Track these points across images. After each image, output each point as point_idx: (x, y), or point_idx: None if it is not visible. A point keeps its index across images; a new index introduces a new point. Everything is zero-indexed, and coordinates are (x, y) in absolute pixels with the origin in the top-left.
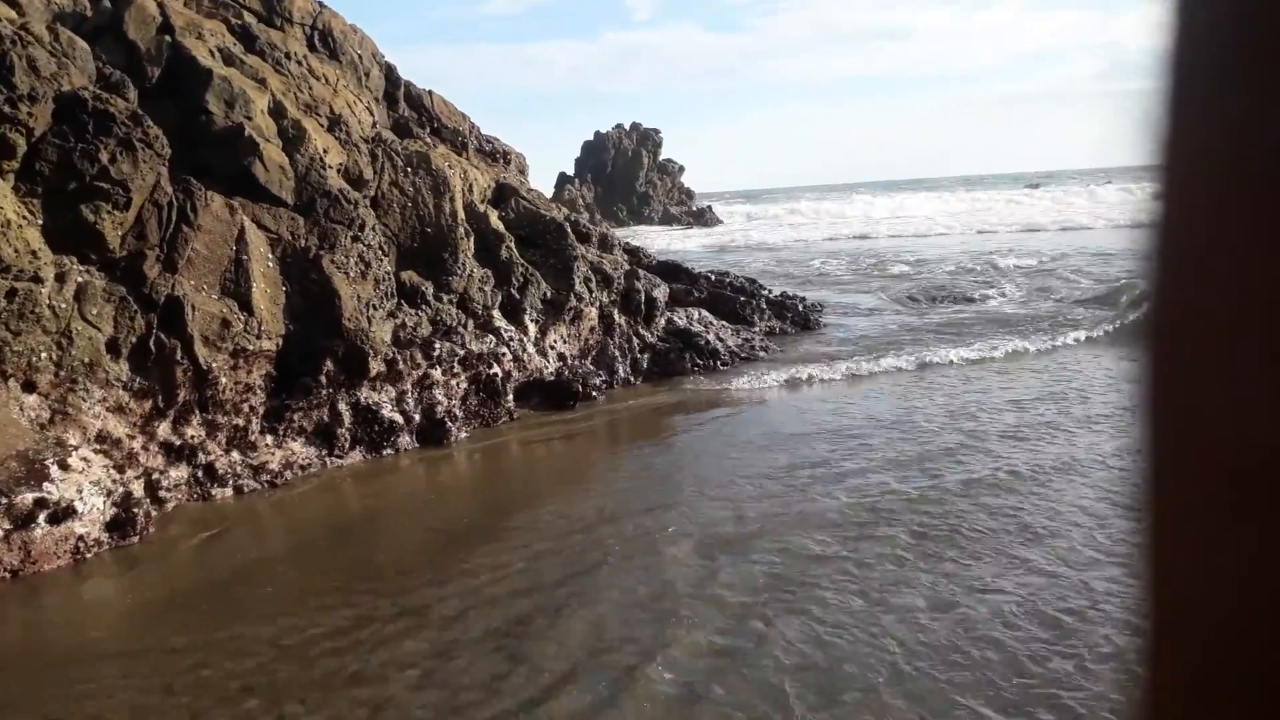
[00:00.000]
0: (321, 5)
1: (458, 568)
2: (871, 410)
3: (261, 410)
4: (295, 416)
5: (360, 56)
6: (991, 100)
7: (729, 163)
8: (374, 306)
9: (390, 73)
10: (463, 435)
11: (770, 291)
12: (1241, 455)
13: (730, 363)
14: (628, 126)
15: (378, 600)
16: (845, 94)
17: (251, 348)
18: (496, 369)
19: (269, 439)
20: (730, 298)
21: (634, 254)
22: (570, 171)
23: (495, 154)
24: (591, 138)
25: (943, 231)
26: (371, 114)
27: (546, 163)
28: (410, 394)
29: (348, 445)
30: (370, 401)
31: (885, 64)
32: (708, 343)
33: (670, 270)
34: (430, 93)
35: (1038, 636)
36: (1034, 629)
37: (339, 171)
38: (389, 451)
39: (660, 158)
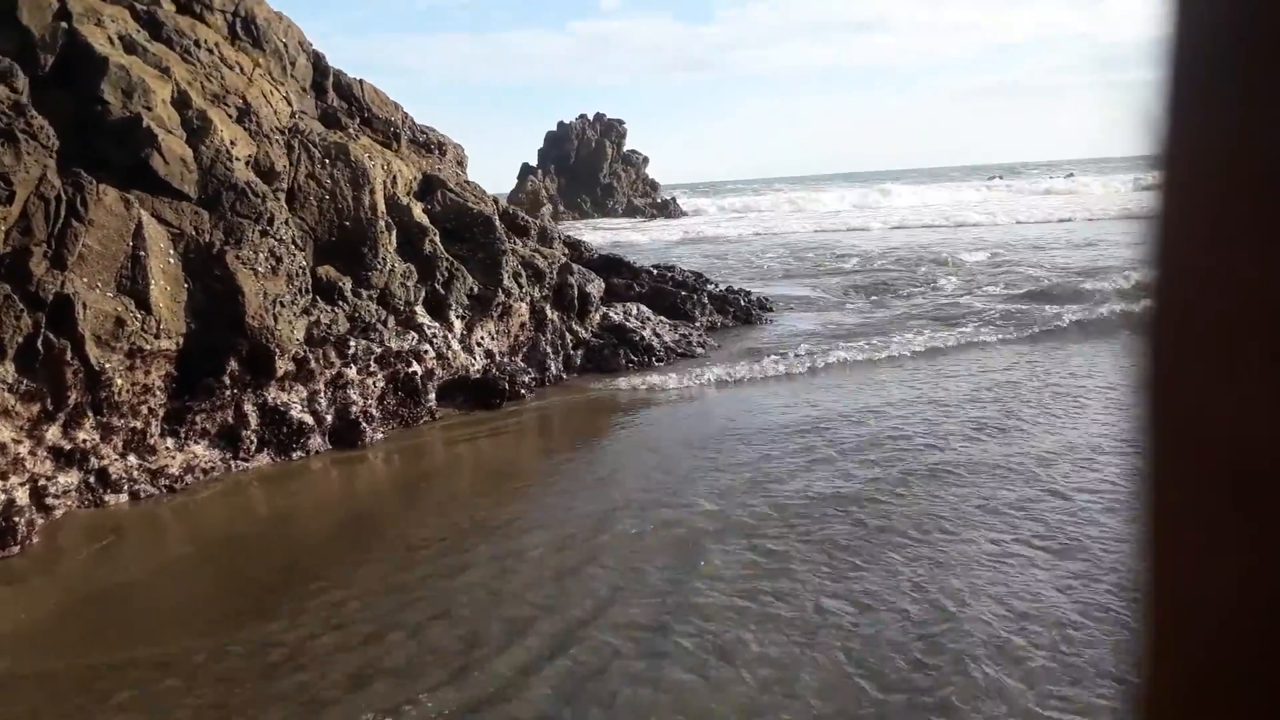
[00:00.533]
0: None
1: (348, 576)
2: (790, 408)
3: (162, 412)
4: (198, 418)
5: (285, 45)
6: (965, 93)
7: (699, 155)
8: (283, 304)
9: (319, 61)
10: (379, 436)
11: (716, 286)
12: (1241, 455)
13: (666, 359)
14: (591, 117)
15: (266, 620)
16: (818, 86)
17: (149, 347)
18: (416, 367)
19: (170, 442)
20: (671, 292)
21: (575, 247)
22: (534, 162)
23: (430, 145)
24: (555, 128)
25: (902, 224)
26: (290, 104)
27: (518, 155)
28: (323, 394)
29: (254, 448)
30: (278, 402)
31: (858, 56)
32: (642, 339)
33: (611, 264)
34: (361, 82)
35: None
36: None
37: (248, 163)
38: (299, 454)
39: (625, 149)
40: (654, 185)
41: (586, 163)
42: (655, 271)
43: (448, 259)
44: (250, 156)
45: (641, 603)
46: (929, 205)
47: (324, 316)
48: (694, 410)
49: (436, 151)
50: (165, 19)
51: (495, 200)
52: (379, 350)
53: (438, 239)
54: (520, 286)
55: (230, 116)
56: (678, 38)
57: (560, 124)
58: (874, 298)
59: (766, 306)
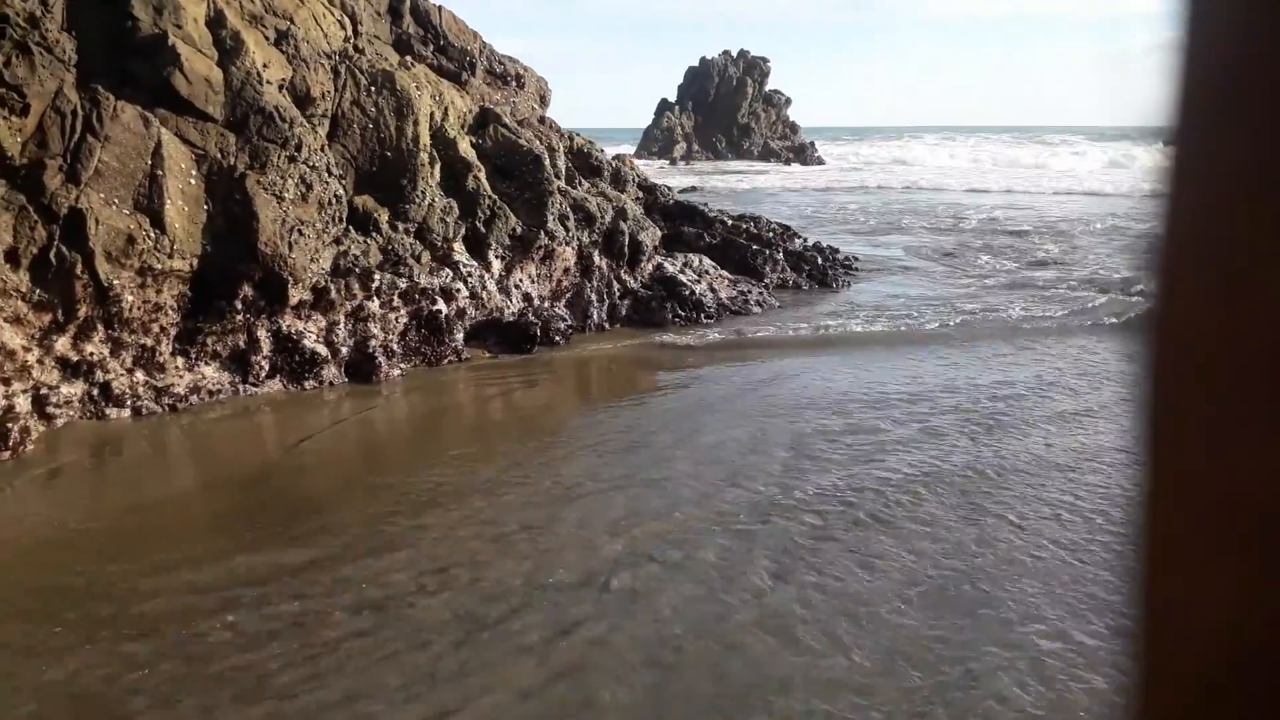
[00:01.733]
0: None
1: (328, 519)
2: (816, 384)
3: (174, 331)
4: (209, 340)
5: None
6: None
7: (850, 98)
8: (301, 231)
9: None
10: (396, 373)
11: (803, 241)
12: (1236, 486)
13: (716, 316)
14: (735, 54)
15: (250, 550)
16: (988, 34)
17: (161, 266)
18: (443, 306)
19: (180, 361)
20: (743, 245)
21: (650, 191)
22: (673, 98)
23: (507, 76)
24: (697, 64)
25: (1058, 191)
26: (345, 28)
27: (662, 90)
28: (342, 325)
29: (264, 374)
30: (292, 330)
31: (1038, 3)
32: (692, 294)
33: (685, 212)
34: (440, 9)
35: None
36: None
37: (282, 88)
38: (312, 383)
39: (767, 88)
40: (794, 128)
41: (725, 101)
42: (730, 223)
43: (491, 197)
44: (285, 80)
45: (571, 567)
46: (1092, 171)
47: (355, 247)
48: (720, 376)
49: (514, 83)
50: None
51: (571, 136)
52: (404, 285)
53: (483, 175)
54: (567, 230)
55: (268, 39)
56: None
57: (702, 59)
58: (963, 264)
59: (851, 267)
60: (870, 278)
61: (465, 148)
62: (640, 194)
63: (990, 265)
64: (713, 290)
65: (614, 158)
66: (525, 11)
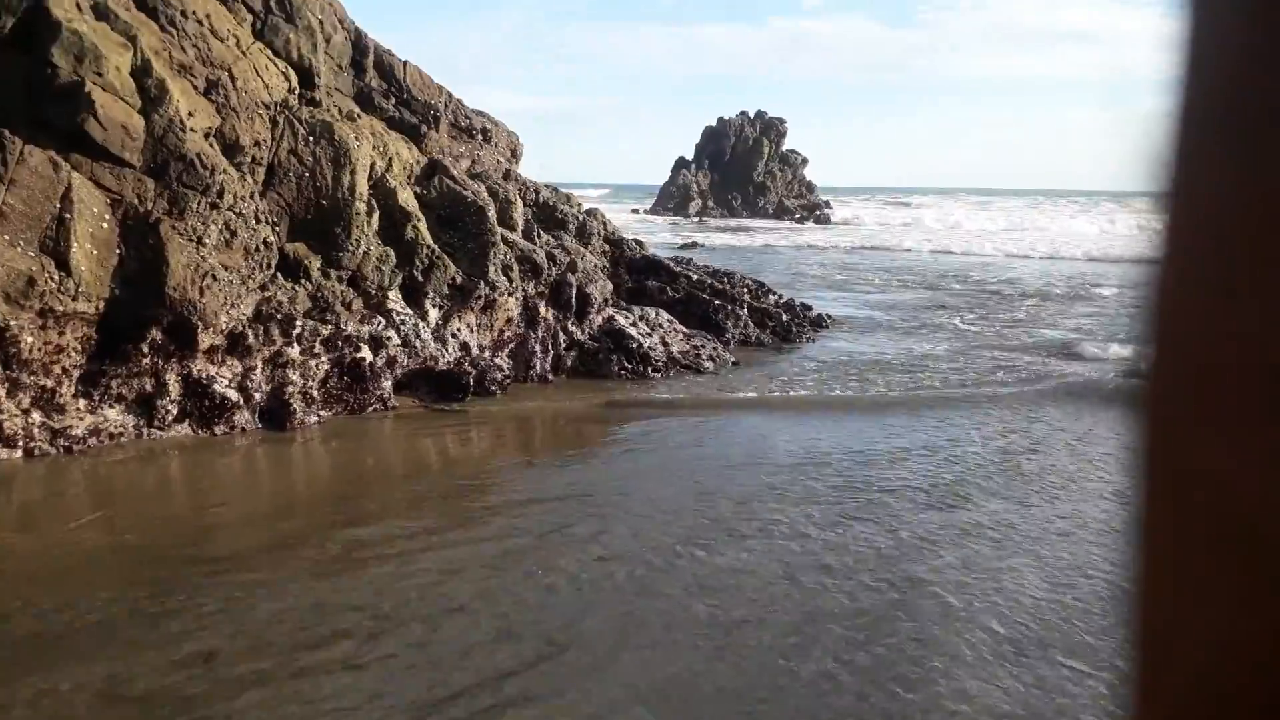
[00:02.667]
0: None
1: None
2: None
3: (77, 373)
4: (113, 383)
5: (321, 21)
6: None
7: (874, 158)
8: (214, 277)
9: (359, 40)
10: (313, 420)
11: (777, 298)
12: (1230, 508)
13: (664, 371)
14: (752, 114)
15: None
16: (1020, 95)
17: (63, 308)
18: (366, 353)
19: (82, 403)
20: (705, 300)
21: (618, 245)
22: (691, 156)
23: (473, 130)
24: (714, 124)
25: (1065, 256)
26: (289, 79)
27: (686, 148)
28: (259, 371)
29: (171, 418)
30: (203, 375)
31: (1067, 67)
32: (639, 346)
33: (651, 266)
34: (405, 64)
35: None
36: None
37: (209, 136)
38: (222, 428)
39: (784, 148)
40: (810, 187)
41: (741, 160)
42: (695, 278)
43: (430, 246)
44: (212, 129)
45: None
46: (1105, 233)
47: (281, 294)
48: (653, 438)
49: (480, 137)
50: None
51: (538, 190)
52: (328, 332)
53: (422, 225)
54: (510, 280)
55: (196, 88)
56: (875, 39)
57: (720, 119)
58: (937, 325)
59: (821, 324)
60: (838, 335)
61: (406, 198)
62: (607, 247)
63: (962, 328)
64: (665, 344)
65: (586, 211)
66: (571, 71)
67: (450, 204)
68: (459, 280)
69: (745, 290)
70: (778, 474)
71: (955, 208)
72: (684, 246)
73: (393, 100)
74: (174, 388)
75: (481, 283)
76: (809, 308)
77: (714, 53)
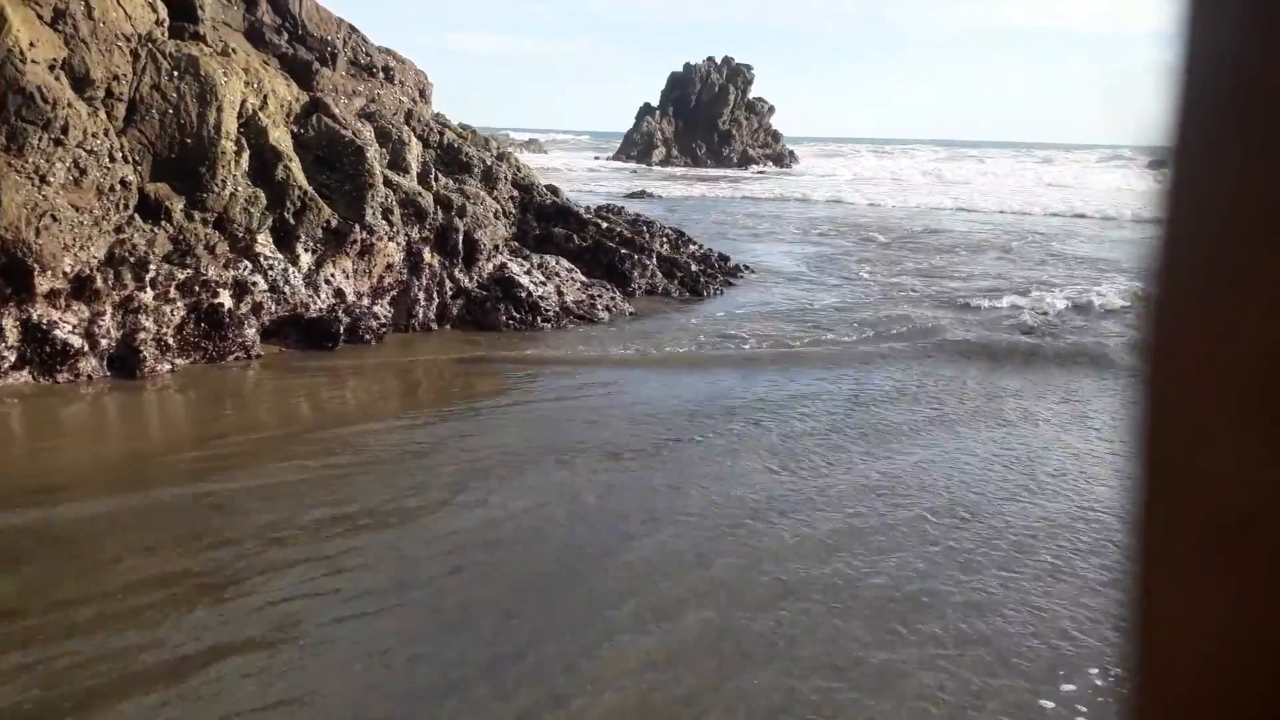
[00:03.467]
0: None
1: None
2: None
3: None
4: None
5: None
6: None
7: (853, 109)
8: (54, 217)
9: None
10: (165, 368)
11: (698, 248)
12: (1227, 501)
13: (556, 321)
14: (719, 60)
15: None
16: (995, 50)
17: None
18: (225, 299)
19: None
20: (612, 249)
21: (527, 190)
22: (656, 104)
23: (373, 68)
24: (680, 69)
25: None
26: (156, 11)
27: (649, 95)
28: (108, 316)
29: (8, 365)
30: (43, 320)
31: (1046, 18)
32: (529, 294)
33: (560, 213)
34: None
35: None
36: None
37: (54, 68)
38: (66, 376)
39: (750, 96)
40: (776, 136)
41: (707, 107)
42: (604, 226)
43: (302, 188)
44: (55, 60)
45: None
46: (1055, 185)
47: (139, 236)
48: (524, 389)
49: (381, 75)
50: None
51: (443, 131)
52: (184, 276)
53: (295, 166)
54: (391, 224)
55: (41, 17)
56: None
57: (686, 65)
58: (855, 276)
59: (737, 274)
60: (749, 287)
61: (278, 137)
62: (515, 193)
63: (867, 279)
64: (560, 294)
65: (498, 156)
66: (544, 11)
67: (328, 144)
68: (334, 223)
69: (665, 240)
70: (616, 432)
71: (938, 160)
72: (631, 195)
73: (286, 36)
74: (11, 333)
75: (357, 226)
76: (727, 258)
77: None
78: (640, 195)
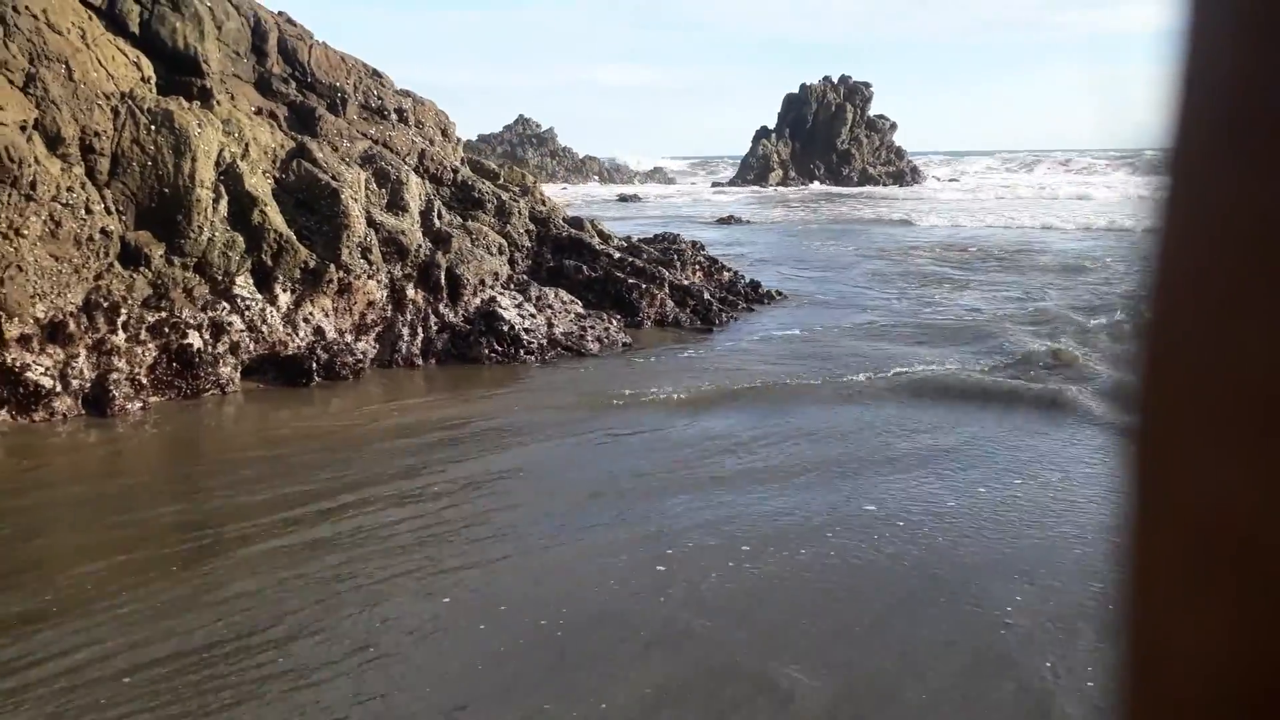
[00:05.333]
0: None
1: None
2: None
3: None
4: None
5: (211, 9)
6: None
7: (996, 120)
8: (19, 268)
9: (258, 25)
10: (136, 405)
11: (731, 275)
12: (1220, 525)
13: (540, 354)
14: (835, 80)
15: None
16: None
17: None
18: (194, 339)
19: None
20: (620, 279)
21: (543, 223)
22: (773, 125)
23: (385, 111)
24: (796, 91)
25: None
26: (140, 69)
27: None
28: (82, 358)
29: None
30: (16, 363)
31: None
32: (511, 328)
33: (573, 245)
34: (311, 47)
35: None
36: None
37: (26, 128)
38: (42, 415)
39: (870, 114)
40: (899, 153)
41: (824, 127)
42: (615, 256)
43: (277, 231)
44: (27, 121)
45: None
46: None
47: (117, 282)
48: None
49: (394, 117)
50: None
51: (457, 169)
52: (152, 319)
53: (270, 210)
54: (370, 262)
55: (13, 82)
56: None
57: (801, 86)
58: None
59: (763, 300)
60: (768, 315)
61: (254, 183)
62: (531, 226)
63: (895, 306)
64: (550, 325)
65: (519, 188)
66: (686, 40)
67: (307, 187)
68: (311, 264)
69: (697, 268)
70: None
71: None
72: (720, 220)
73: (294, 84)
74: None
75: (333, 265)
76: (758, 285)
77: (834, 14)
78: (728, 221)
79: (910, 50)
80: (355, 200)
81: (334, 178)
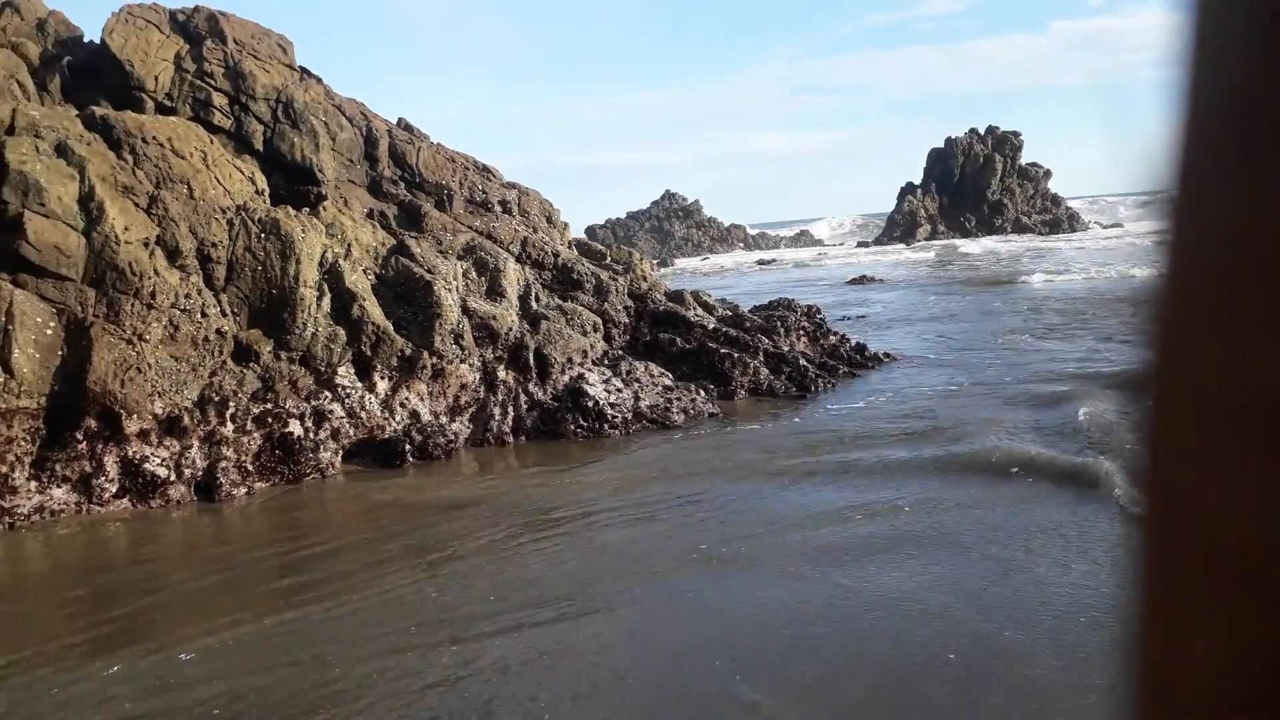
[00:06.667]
0: (300, 77)
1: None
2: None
3: (28, 460)
4: (57, 465)
5: (326, 123)
6: None
7: None
8: (139, 369)
9: (370, 133)
10: (241, 491)
11: (836, 338)
12: (1224, 539)
13: (624, 427)
14: (982, 131)
15: None
16: None
17: (7, 405)
18: (294, 427)
19: (33, 485)
20: (713, 349)
21: (641, 299)
22: (918, 181)
23: (489, 204)
24: (941, 145)
25: None
26: (254, 183)
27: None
28: (195, 449)
29: (109, 495)
30: (136, 456)
31: None
32: (595, 404)
33: (669, 318)
34: (420, 150)
35: None
36: None
37: (149, 244)
38: (158, 502)
39: (1021, 162)
40: (1055, 200)
41: (972, 179)
42: (711, 327)
43: (374, 323)
44: (150, 238)
45: None
46: None
47: (230, 378)
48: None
49: (497, 209)
50: (115, 122)
51: (559, 250)
52: (257, 410)
53: (369, 304)
54: (462, 348)
55: (137, 204)
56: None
57: (947, 140)
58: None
59: (868, 364)
60: (871, 382)
61: (354, 280)
62: (630, 303)
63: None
64: (636, 399)
65: (622, 265)
66: (829, 102)
67: (404, 281)
68: (407, 352)
69: (802, 333)
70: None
71: None
72: (852, 281)
73: (403, 185)
74: (111, 468)
75: (426, 352)
76: (863, 348)
77: (987, 66)
78: (860, 281)
79: (1075, 93)
80: (449, 290)
81: (429, 270)
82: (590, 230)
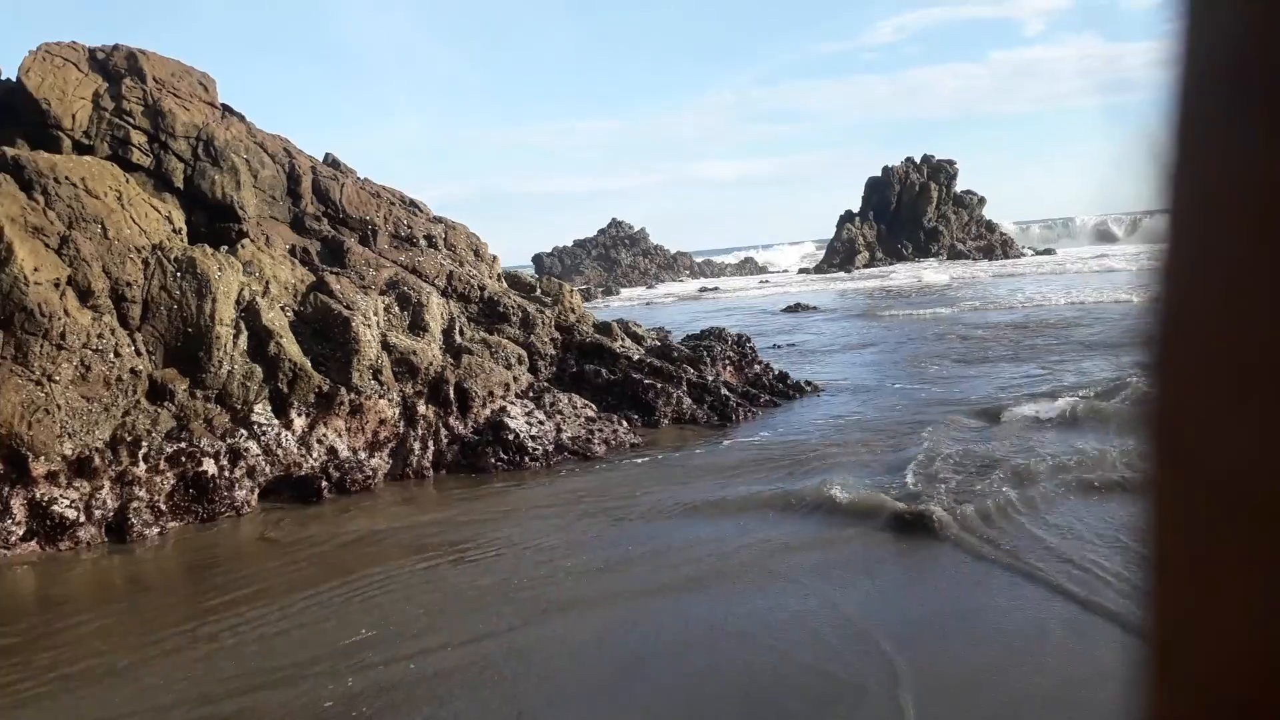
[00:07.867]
0: (221, 115)
1: None
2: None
3: None
4: None
5: (248, 160)
6: None
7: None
8: (47, 410)
9: (292, 170)
10: (154, 531)
11: (763, 366)
12: (1237, 488)
13: (545, 460)
14: (918, 159)
15: None
16: None
17: None
18: (208, 466)
19: None
20: (636, 380)
21: (568, 330)
22: (857, 209)
23: (414, 239)
24: (879, 174)
25: None
26: (172, 222)
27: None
28: (106, 490)
29: (17, 538)
30: (44, 498)
31: None
32: (515, 437)
33: (595, 350)
34: (344, 185)
35: None
36: None
37: (60, 285)
38: (67, 544)
39: (956, 190)
40: (990, 226)
41: (909, 207)
42: (634, 358)
43: (291, 360)
44: (60, 278)
45: None
46: None
47: (143, 417)
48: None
49: (422, 243)
50: (27, 162)
51: (485, 284)
52: (170, 449)
53: (285, 341)
54: (381, 383)
55: (48, 245)
56: (1102, 60)
57: (884, 169)
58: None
59: (789, 393)
60: (790, 409)
61: (271, 318)
62: (556, 335)
63: (915, 392)
64: (558, 431)
65: (550, 297)
66: (780, 132)
67: (322, 317)
68: (324, 388)
69: (727, 362)
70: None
71: None
72: (787, 309)
73: (326, 221)
74: (18, 510)
75: (344, 388)
76: (786, 377)
77: (930, 96)
78: (795, 309)
79: (1014, 121)
80: (368, 326)
81: (348, 306)
82: (537, 258)
